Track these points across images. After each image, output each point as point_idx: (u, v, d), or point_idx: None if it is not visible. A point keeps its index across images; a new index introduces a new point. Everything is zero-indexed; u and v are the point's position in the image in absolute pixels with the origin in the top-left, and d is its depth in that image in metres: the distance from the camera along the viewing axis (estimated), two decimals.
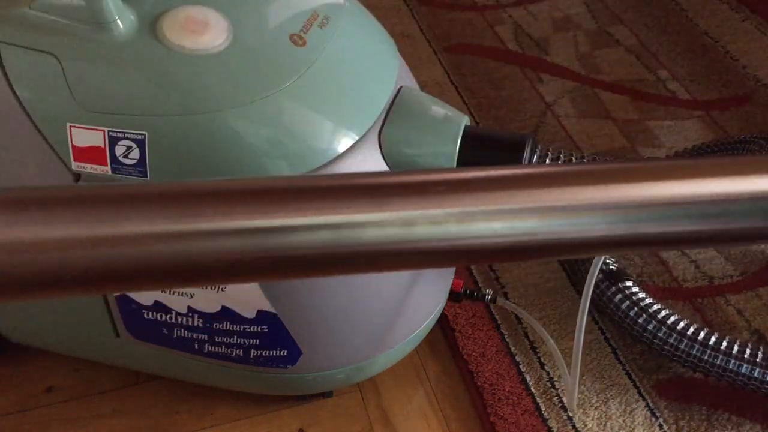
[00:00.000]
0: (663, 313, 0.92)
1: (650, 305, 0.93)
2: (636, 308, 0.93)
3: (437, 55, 1.51)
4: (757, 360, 0.88)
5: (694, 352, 0.90)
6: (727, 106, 1.37)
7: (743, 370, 0.88)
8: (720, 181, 0.37)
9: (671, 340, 0.91)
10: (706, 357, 0.90)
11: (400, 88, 0.82)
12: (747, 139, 1.11)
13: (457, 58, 1.50)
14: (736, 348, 0.89)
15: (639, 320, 0.93)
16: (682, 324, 0.91)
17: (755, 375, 0.88)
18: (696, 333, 0.90)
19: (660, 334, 0.91)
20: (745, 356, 0.89)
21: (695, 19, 1.60)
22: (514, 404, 0.92)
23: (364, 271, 0.35)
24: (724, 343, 0.89)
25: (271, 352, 0.81)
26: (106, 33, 0.69)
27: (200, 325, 0.80)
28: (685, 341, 0.90)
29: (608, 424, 0.90)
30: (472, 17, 1.62)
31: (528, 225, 0.35)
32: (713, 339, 0.90)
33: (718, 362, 0.89)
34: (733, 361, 0.89)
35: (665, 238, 0.37)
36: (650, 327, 0.92)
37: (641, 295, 0.94)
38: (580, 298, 1.04)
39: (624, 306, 0.94)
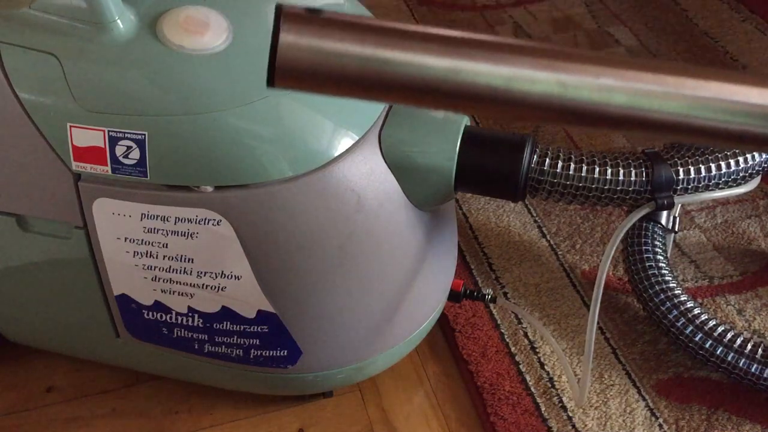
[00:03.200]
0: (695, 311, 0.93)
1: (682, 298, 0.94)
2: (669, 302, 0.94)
3: None
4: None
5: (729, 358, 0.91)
6: None
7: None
8: None
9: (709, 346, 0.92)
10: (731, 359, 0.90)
11: None
12: None
13: None
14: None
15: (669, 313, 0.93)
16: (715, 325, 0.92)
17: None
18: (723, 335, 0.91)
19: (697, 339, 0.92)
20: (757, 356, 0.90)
21: (695, 19, 1.60)
22: (514, 404, 0.92)
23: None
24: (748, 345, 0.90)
25: (271, 352, 0.81)
26: (106, 33, 0.69)
27: (200, 325, 0.80)
28: (719, 346, 0.91)
29: (608, 424, 0.90)
30: (472, 17, 1.62)
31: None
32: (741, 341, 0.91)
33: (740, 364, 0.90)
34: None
35: None
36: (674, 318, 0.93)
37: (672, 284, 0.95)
38: (580, 296, 1.04)
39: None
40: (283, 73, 0.42)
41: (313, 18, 0.41)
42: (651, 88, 0.42)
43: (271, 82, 0.42)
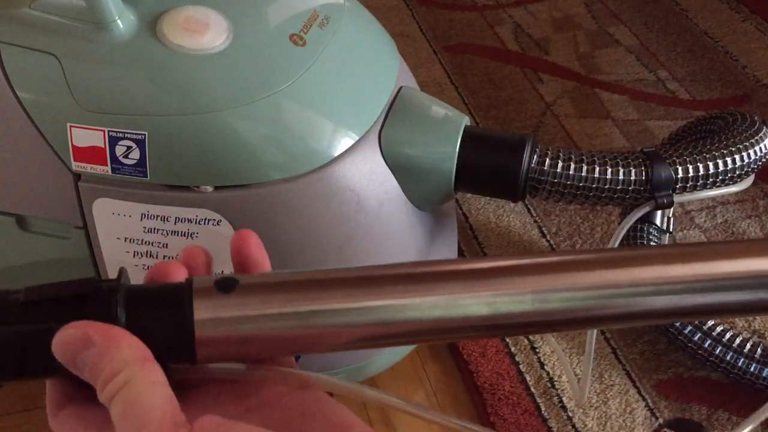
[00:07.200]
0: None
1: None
2: None
3: (437, 55, 1.51)
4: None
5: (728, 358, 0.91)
6: (727, 106, 1.37)
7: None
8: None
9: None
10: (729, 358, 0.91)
11: (400, 88, 0.82)
12: (713, 115, 1.11)
13: (457, 58, 1.50)
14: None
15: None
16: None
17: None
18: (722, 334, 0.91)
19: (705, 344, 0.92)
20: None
21: (695, 19, 1.60)
22: (514, 404, 0.92)
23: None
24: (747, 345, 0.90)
25: None
26: (106, 33, 0.69)
27: None
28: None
29: (608, 424, 0.90)
30: (472, 17, 1.62)
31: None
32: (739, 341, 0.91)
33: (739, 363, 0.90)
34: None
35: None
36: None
37: None
38: None
39: None
40: (207, 353, 0.38)
41: (224, 293, 0.38)
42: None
43: (192, 361, 0.38)
